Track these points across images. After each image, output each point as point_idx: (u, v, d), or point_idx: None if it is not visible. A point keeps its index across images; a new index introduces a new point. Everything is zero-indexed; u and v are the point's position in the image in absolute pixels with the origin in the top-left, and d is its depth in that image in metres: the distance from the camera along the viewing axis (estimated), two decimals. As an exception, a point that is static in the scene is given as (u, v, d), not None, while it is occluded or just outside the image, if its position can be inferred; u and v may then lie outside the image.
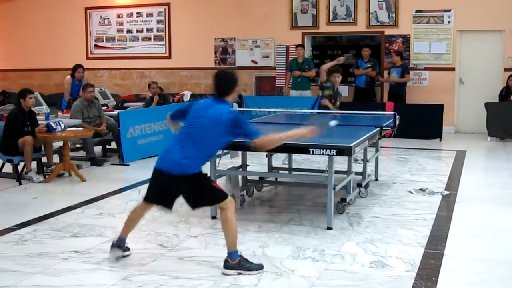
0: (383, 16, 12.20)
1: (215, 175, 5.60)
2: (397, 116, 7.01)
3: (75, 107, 8.70)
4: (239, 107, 11.69)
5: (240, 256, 4.23)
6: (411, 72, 11.78)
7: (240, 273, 4.16)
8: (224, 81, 4.27)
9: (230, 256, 4.21)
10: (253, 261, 4.28)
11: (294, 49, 11.98)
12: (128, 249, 4.54)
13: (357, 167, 7.28)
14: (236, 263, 4.19)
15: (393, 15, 12.11)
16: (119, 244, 4.45)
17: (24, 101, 7.45)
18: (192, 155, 4.14)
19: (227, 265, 4.20)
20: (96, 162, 8.53)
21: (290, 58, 12.22)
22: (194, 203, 4.33)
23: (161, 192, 4.30)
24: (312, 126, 4.39)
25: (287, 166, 7.56)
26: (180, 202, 6.13)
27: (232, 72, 4.38)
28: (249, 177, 6.64)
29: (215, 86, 4.27)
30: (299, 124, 6.98)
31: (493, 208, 6.13)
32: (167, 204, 4.32)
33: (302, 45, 11.88)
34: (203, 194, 4.25)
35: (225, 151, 5.40)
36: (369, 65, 11.83)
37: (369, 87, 11.90)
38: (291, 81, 11.78)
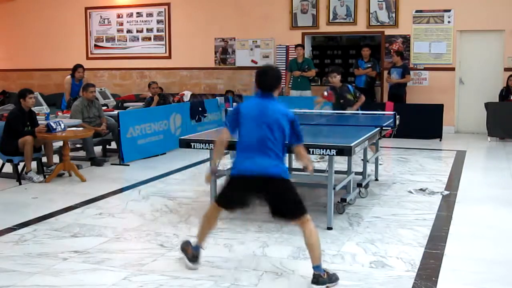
0: (383, 16, 12.20)
1: (215, 175, 5.58)
2: (397, 116, 7.01)
3: (75, 107, 8.70)
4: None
5: (325, 270, 4.05)
6: (411, 72, 11.78)
7: (328, 287, 3.99)
8: (272, 77, 4.19)
9: (319, 270, 3.98)
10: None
11: (294, 49, 11.98)
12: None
13: (359, 167, 7.28)
14: (327, 277, 3.99)
15: (393, 15, 12.12)
16: (194, 254, 4.32)
17: (24, 101, 7.45)
18: (276, 158, 4.02)
19: (319, 280, 3.96)
20: (96, 162, 8.53)
21: (290, 58, 12.23)
22: (279, 210, 4.12)
23: (240, 197, 4.17)
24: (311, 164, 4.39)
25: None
26: (180, 203, 6.11)
27: (277, 68, 4.37)
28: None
29: (262, 82, 4.18)
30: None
31: (493, 208, 6.13)
32: (244, 205, 4.24)
33: (301, 45, 11.88)
34: (289, 203, 4.07)
35: (225, 151, 5.38)
36: (369, 65, 11.83)
37: (369, 87, 11.89)
38: (291, 81, 11.78)
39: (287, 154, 7.43)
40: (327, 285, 3.98)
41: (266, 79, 4.19)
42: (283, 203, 4.07)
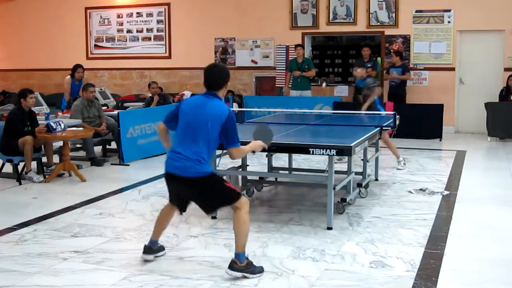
0: (383, 16, 12.19)
1: None
2: (397, 116, 7.01)
3: (75, 107, 8.70)
4: (239, 107, 11.70)
5: (247, 258, 4.14)
6: (411, 72, 11.78)
7: (244, 276, 4.06)
8: (215, 75, 4.18)
9: (238, 258, 4.08)
10: (255, 264, 4.20)
11: (294, 49, 11.98)
12: (162, 248, 4.56)
13: (358, 167, 7.28)
14: (244, 265, 4.08)
15: (393, 15, 12.11)
16: (151, 247, 4.46)
17: (24, 101, 7.45)
18: (198, 154, 4.04)
19: (234, 266, 4.07)
20: (96, 162, 8.53)
21: (290, 58, 12.22)
22: (208, 208, 4.29)
23: (175, 195, 4.31)
24: (259, 141, 4.45)
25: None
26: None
27: (224, 66, 4.39)
28: (249, 177, 6.64)
29: (205, 80, 4.19)
30: (299, 124, 7.03)
31: (493, 208, 6.13)
32: (182, 207, 4.35)
33: (301, 45, 11.87)
34: (215, 196, 4.14)
35: (224, 151, 5.41)
36: (369, 65, 11.81)
37: (369, 87, 11.89)
38: (291, 81, 11.78)
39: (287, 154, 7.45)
40: (244, 274, 4.06)
41: (209, 77, 4.19)
42: (213, 197, 4.15)
